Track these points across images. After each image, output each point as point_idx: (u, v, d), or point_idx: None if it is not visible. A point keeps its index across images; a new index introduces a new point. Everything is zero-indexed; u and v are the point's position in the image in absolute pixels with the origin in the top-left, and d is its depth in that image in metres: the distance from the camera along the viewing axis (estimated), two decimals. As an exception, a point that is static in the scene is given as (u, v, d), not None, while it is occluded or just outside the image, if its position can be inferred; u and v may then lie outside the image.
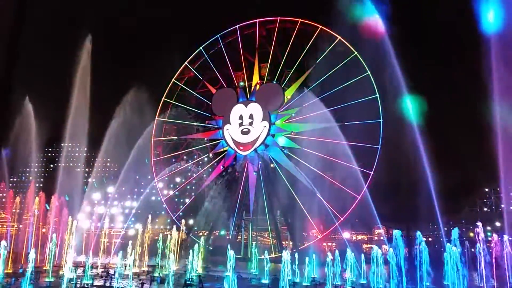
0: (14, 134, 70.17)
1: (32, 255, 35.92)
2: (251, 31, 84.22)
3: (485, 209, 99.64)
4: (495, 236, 46.68)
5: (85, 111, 71.73)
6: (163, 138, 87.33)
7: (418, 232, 43.72)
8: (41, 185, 72.90)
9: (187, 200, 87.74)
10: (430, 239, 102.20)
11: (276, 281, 44.43)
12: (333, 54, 74.64)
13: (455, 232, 44.38)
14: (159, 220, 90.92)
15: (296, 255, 53.14)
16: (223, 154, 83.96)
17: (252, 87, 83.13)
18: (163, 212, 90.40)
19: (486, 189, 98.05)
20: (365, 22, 69.26)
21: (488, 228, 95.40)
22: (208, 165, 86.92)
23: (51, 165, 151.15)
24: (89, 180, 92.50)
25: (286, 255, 43.18)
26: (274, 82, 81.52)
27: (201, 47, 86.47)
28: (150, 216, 72.32)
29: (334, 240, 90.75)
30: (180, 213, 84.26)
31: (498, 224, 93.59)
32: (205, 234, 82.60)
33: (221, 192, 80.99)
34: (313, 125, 75.71)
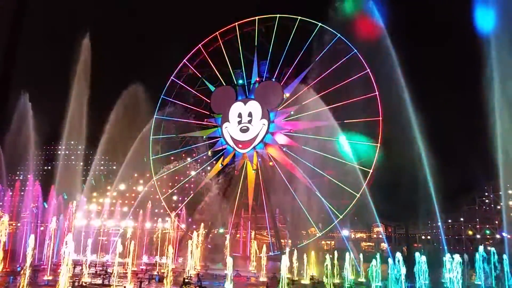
0: (12, 132, 69.85)
1: (31, 242, 34.67)
2: (250, 28, 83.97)
3: (484, 207, 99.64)
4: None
5: (83, 109, 71.48)
6: (162, 136, 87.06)
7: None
8: (40, 183, 72.62)
9: (186, 198, 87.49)
10: (429, 237, 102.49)
11: (274, 279, 44.45)
12: (333, 51, 74.46)
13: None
14: (158, 218, 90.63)
15: (295, 253, 53.07)
16: (222, 152, 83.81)
17: (251, 85, 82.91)
18: (161, 210, 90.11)
19: (485, 187, 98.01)
20: (365, 20, 69.21)
21: (487, 226, 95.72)
22: (207, 163, 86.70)
23: (50, 163, 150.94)
24: (87, 178, 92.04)
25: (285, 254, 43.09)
26: (273, 80, 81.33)
27: (200, 45, 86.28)
28: (148, 214, 72.21)
29: (333, 238, 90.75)
30: (179, 211, 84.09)
31: (496, 222, 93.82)
32: (204, 232, 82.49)
33: (220, 190, 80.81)
34: (312, 123, 75.51)
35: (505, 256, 45.01)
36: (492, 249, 48.51)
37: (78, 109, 71.04)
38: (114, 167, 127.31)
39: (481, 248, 48.87)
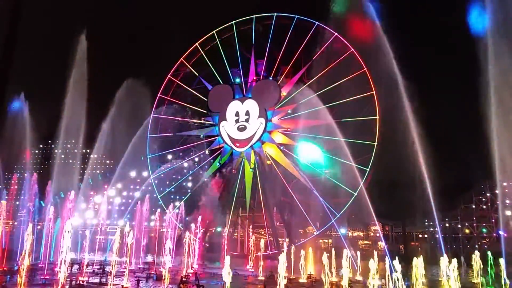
0: (9, 131, 69.64)
1: (29, 234, 34.02)
2: (248, 27, 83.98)
3: (481, 205, 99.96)
4: None
5: (81, 107, 71.24)
6: (159, 135, 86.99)
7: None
8: (37, 182, 72.40)
9: (183, 197, 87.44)
10: (426, 236, 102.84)
11: (272, 278, 44.46)
12: (330, 50, 74.58)
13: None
14: (155, 216, 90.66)
15: (293, 251, 53.16)
16: (219, 151, 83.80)
17: (248, 84, 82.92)
18: (159, 209, 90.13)
19: (482, 186, 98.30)
20: (362, 19, 69.24)
21: (484, 224, 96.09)
22: (204, 162, 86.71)
23: (47, 162, 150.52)
24: (85, 176, 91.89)
25: (282, 252, 43.04)
26: (271, 78, 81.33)
27: (197, 43, 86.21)
28: (146, 213, 72.03)
29: (330, 237, 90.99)
30: (176, 210, 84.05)
31: (493, 220, 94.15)
32: (202, 230, 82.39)
33: (217, 189, 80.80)
34: (309, 121, 75.57)
35: (501, 260, 45.02)
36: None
37: (75, 108, 70.78)
38: (111, 166, 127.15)
39: (477, 247, 49.12)
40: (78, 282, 38.05)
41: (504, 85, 52.46)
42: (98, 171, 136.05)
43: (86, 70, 71.74)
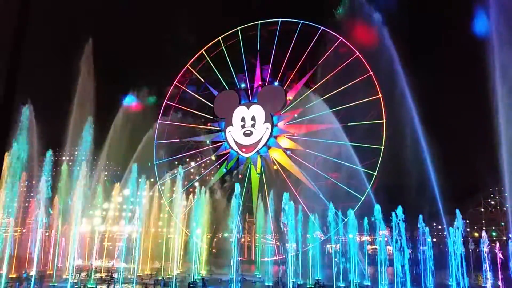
0: (15, 138, 69.92)
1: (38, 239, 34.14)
2: (253, 33, 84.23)
3: (490, 209, 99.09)
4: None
5: (87, 114, 71.52)
6: (166, 141, 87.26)
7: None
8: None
9: (190, 203, 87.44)
10: (434, 240, 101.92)
11: (279, 283, 44.36)
12: (335, 55, 74.56)
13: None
14: (162, 223, 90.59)
15: (300, 257, 52.97)
16: (225, 156, 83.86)
17: (254, 89, 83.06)
18: (166, 215, 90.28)
19: (490, 189, 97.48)
20: (367, 23, 69.27)
21: (493, 228, 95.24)
22: (211, 167, 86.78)
23: (54, 170, 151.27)
24: (92, 183, 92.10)
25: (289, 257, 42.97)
26: (276, 83, 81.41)
27: (203, 50, 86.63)
28: (153, 219, 72.17)
29: (338, 242, 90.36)
30: (183, 216, 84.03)
31: (502, 223, 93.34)
32: (209, 236, 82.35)
33: (224, 194, 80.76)
34: (315, 126, 75.51)
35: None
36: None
37: (82, 115, 71.13)
38: (119, 172, 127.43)
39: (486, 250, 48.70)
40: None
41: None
42: (105, 178, 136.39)
43: (92, 76, 72.18)
